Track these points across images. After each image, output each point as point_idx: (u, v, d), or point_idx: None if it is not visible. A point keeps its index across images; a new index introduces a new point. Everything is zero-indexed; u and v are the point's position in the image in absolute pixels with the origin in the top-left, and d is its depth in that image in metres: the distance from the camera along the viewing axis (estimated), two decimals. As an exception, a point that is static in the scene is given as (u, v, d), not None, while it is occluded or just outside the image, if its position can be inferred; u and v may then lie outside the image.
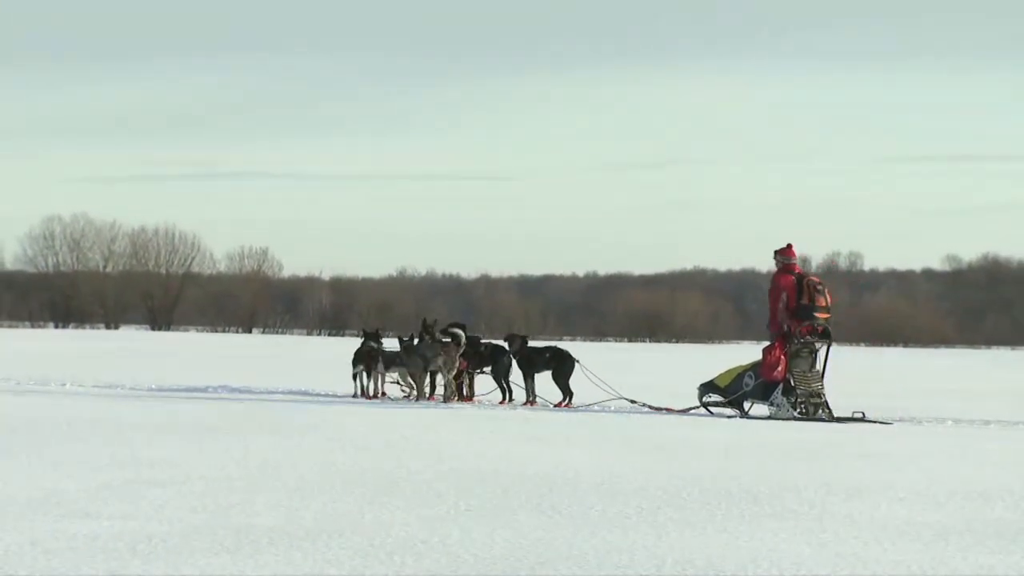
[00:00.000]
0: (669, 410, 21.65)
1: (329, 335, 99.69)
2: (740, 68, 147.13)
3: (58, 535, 8.94)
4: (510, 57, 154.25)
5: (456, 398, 22.12)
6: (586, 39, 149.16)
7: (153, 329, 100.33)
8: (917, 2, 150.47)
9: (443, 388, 22.22)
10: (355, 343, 23.43)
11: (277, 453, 13.75)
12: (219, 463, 12.81)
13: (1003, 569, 8.61)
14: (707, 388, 21.84)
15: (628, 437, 16.74)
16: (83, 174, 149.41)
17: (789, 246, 21.97)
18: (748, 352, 22.45)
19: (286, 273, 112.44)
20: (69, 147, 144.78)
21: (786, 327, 21.40)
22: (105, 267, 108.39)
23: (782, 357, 21.36)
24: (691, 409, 21.67)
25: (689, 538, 9.33)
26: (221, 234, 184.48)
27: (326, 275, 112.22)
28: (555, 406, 21.90)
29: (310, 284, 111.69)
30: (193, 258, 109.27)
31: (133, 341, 63.12)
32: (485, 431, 17.01)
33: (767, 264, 22.21)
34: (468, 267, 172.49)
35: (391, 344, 22.81)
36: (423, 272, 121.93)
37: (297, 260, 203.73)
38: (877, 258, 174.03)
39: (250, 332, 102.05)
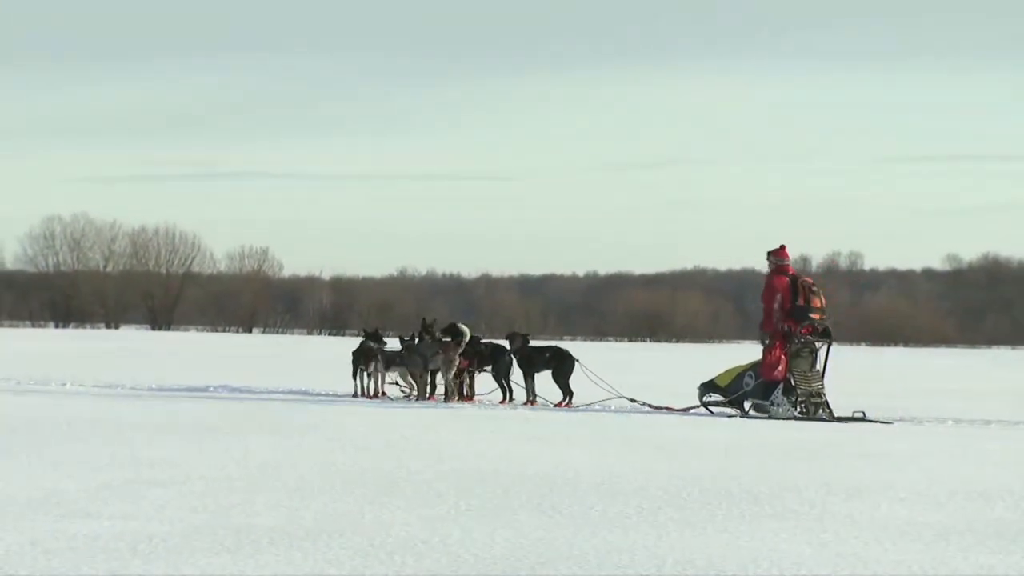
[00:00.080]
0: (669, 409, 21.65)
1: (329, 335, 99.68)
2: (740, 68, 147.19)
3: (58, 535, 8.94)
4: (510, 57, 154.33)
5: (456, 398, 22.12)
6: (586, 39, 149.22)
7: (153, 329, 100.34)
8: (917, 2, 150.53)
9: (443, 388, 22.23)
10: (355, 343, 23.42)
11: (277, 453, 13.75)
12: (219, 463, 12.80)
13: (1003, 569, 8.61)
14: (707, 388, 21.83)
15: (628, 437, 16.74)
16: (83, 174, 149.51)
17: (782, 247, 21.99)
18: (748, 352, 22.46)
19: (286, 273, 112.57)
20: (69, 147, 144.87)
21: (785, 327, 21.40)
22: (105, 267, 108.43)
23: (782, 357, 21.37)
24: (691, 409, 21.67)
25: (689, 538, 9.33)
26: (221, 234, 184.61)
27: (326, 275, 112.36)
28: (555, 406, 21.90)
29: (310, 284, 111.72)
30: (193, 258, 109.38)
31: (133, 341, 63.13)
32: (485, 431, 17.01)
33: (765, 264, 22.20)
34: (468, 267, 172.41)
35: (394, 344, 22.80)
36: (423, 272, 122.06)
37: (297, 260, 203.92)
38: (877, 258, 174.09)
39: (250, 332, 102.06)
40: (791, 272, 21.88)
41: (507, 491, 11.31)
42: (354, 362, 22.85)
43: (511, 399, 22.29)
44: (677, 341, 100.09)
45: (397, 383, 23.10)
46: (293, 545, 8.77)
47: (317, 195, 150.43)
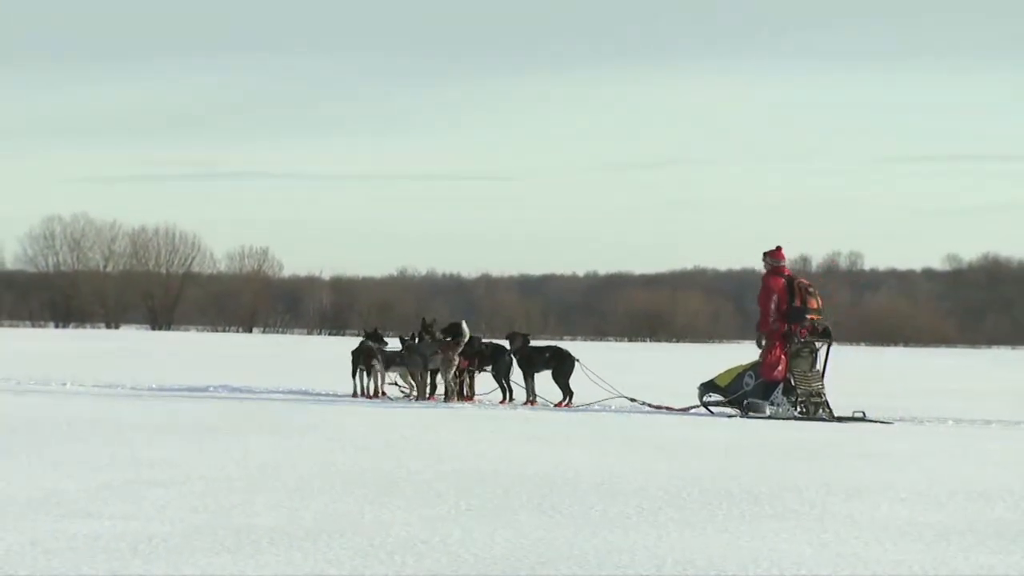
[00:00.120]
0: (669, 409, 21.64)
1: (329, 335, 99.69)
2: (740, 68, 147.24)
3: (58, 535, 8.94)
4: (510, 57, 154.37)
5: (456, 398, 22.12)
6: (586, 39, 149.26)
7: (153, 329, 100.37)
8: (917, 2, 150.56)
9: (443, 388, 22.23)
10: (356, 343, 23.42)
11: (277, 453, 13.75)
12: (219, 463, 12.80)
13: (1004, 569, 8.60)
14: (707, 388, 21.83)
15: (628, 437, 16.73)
16: (83, 174, 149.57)
17: (778, 248, 22.00)
18: (749, 352, 22.45)
19: (286, 273, 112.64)
20: (69, 147, 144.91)
21: (786, 328, 21.41)
22: (105, 267, 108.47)
23: (782, 357, 21.37)
24: (691, 409, 21.67)
25: (690, 538, 9.33)
26: (221, 234, 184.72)
27: (326, 275, 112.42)
28: (555, 406, 21.90)
29: (310, 284, 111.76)
30: (193, 258, 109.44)
31: (133, 341, 63.13)
32: (485, 431, 17.01)
33: (761, 265, 22.20)
34: (469, 267, 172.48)
35: (395, 344, 22.79)
36: (423, 272, 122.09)
37: (297, 260, 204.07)
38: (877, 258, 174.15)
39: (250, 332, 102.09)
40: (787, 273, 21.89)
41: (507, 491, 11.31)
42: (353, 362, 22.85)
43: (511, 399, 22.29)
44: (677, 341, 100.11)
45: (397, 383, 23.10)
46: (293, 545, 8.76)
47: (317, 195, 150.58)
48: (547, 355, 22.54)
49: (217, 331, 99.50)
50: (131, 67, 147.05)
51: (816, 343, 21.59)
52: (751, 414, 21.00)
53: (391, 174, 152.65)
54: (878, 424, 20.20)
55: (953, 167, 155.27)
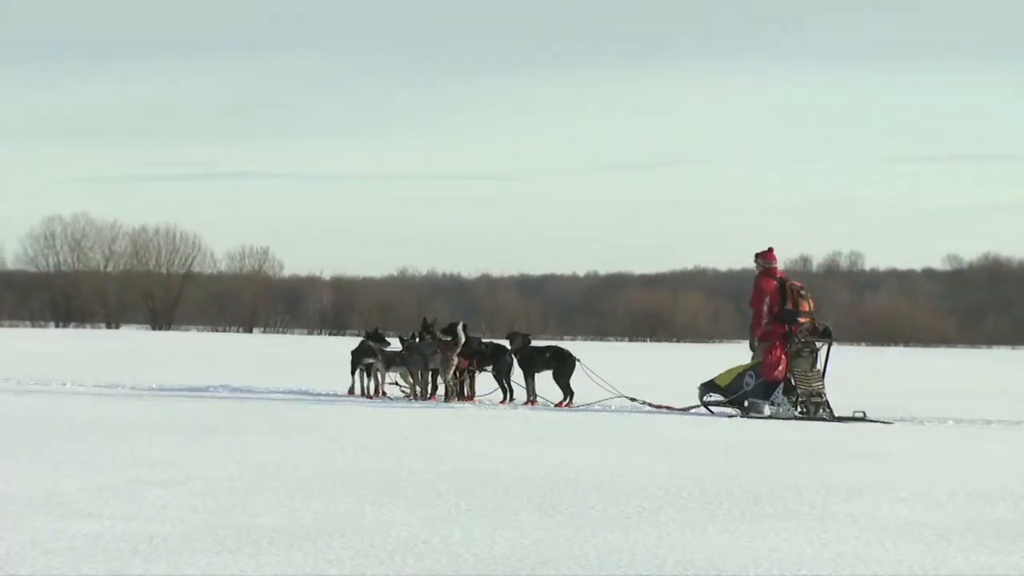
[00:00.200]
0: (670, 409, 21.64)
1: (330, 335, 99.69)
2: (740, 68, 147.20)
3: (59, 535, 8.94)
4: (510, 57, 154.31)
5: (456, 398, 22.12)
6: (586, 39, 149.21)
7: (154, 329, 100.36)
8: (917, 3, 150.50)
9: (443, 387, 22.24)
10: (357, 343, 23.42)
11: (277, 453, 13.75)
12: (219, 463, 12.80)
13: (1004, 569, 8.60)
14: (707, 388, 21.82)
15: (629, 437, 16.74)
16: (83, 174, 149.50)
17: (770, 249, 22.01)
18: (749, 352, 22.44)
19: (287, 273, 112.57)
20: (69, 147, 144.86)
21: (786, 328, 21.42)
22: (106, 267, 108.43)
23: (783, 357, 21.37)
24: (691, 408, 21.67)
25: (690, 538, 9.33)
26: (222, 234, 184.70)
27: (327, 275, 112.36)
28: (556, 406, 21.89)
29: (311, 284, 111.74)
30: (194, 258, 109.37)
31: (134, 341, 63.13)
32: (486, 431, 17.01)
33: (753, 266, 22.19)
34: (469, 267, 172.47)
35: (396, 344, 22.78)
36: (424, 272, 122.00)
37: (298, 260, 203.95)
38: (878, 258, 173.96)
39: (251, 332, 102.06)
40: (779, 275, 21.90)
41: (507, 491, 11.31)
42: (353, 361, 22.85)
43: (511, 399, 22.29)
44: (678, 341, 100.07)
45: (397, 383, 23.10)
46: (293, 545, 8.76)
47: (317, 195, 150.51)
48: (548, 355, 22.53)
49: (217, 331, 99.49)
50: (131, 67, 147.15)
51: (816, 343, 21.59)
52: (751, 414, 21.00)
53: (391, 174, 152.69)
54: (878, 424, 20.20)
55: (953, 167, 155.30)
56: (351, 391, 22.79)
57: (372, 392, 22.69)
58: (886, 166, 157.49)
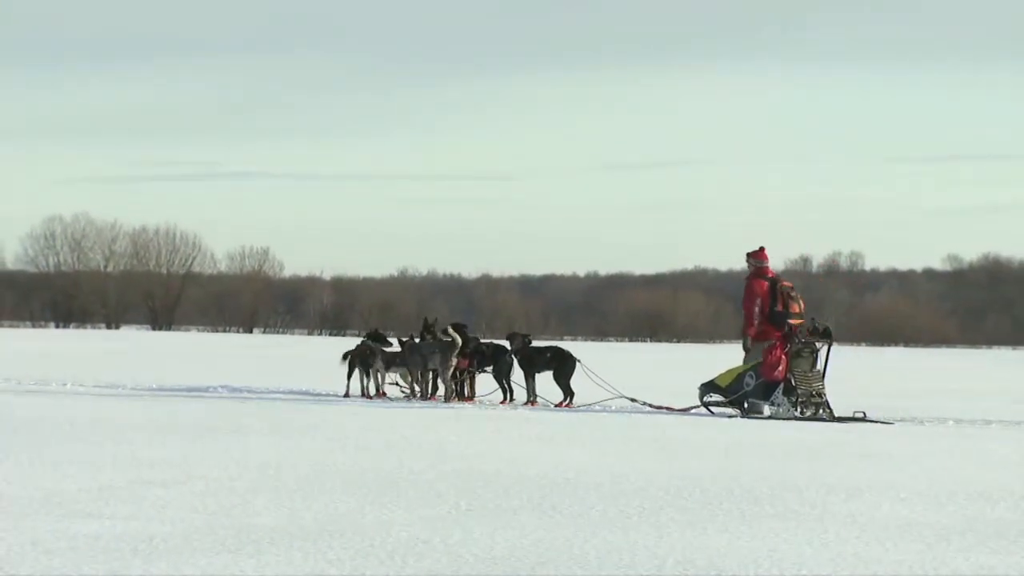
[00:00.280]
0: (670, 409, 21.64)
1: (330, 335, 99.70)
2: (740, 68, 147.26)
3: (59, 535, 8.94)
4: (510, 57, 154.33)
5: (456, 398, 22.12)
6: (586, 39, 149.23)
7: (154, 329, 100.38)
8: (917, 3, 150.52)
9: (443, 387, 22.24)
10: (356, 343, 23.41)
11: (277, 453, 13.75)
12: (219, 463, 12.80)
13: (1004, 569, 8.61)
14: (708, 388, 21.82)
15: (629, 437, 16.74)
16: (83, 174, 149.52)
17: (761, 249, 22.02)
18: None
19: (287, 273, 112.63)
20: (69, 147, 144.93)
21: (787, 328, 21.43)
22: (106, 267, 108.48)
23: (783, 357, 21.36)
24: (692, 409, 21.66)
25: (690, 538, 9.33)
26: (222, 234, 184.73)
27: (327, 275, 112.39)
28: (556, 406, 21.89)
29: (311, 284, 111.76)
30: (194, 258, 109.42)
31: (134, 341, 63.14)
32: (486, 431, 17.01)
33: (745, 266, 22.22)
34: (469, 267, 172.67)
35: (398, 345, 22.76)
36: (424, 272, 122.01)
37: (298, 260, 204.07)
38: (878, 258, 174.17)
39: (251, 332, 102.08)
40: (771, 275, 21.91)
41: (507, 491, 11.31)
42: (350, 362, 22.84)
43: (512, 399, 22.29)
44: (678, 341, 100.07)
45: (397, 383, 23.10)
46: (293, 545, 8.77)
47: (317, 195, 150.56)
48: (548, 355, 22.53)
49: (218, 331, 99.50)
50: (131, 67, 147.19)
51: (817, 343, 21.59)
52: (751, 414, 20.99)
53: (391, 174, 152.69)
54: (878, 424, 20.20)
55: (953, 167, 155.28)
56: (346, 394, 22.75)
57: (372, 392, 22.68)
58: (886, 166, 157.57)
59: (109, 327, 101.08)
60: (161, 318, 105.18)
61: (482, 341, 23.02)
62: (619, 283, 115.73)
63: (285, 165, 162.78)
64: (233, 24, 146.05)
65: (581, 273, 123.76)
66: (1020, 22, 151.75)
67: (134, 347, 52.71)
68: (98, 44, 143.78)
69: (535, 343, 22.88)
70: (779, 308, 21.49)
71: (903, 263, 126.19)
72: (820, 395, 21.25)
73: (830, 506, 10.93)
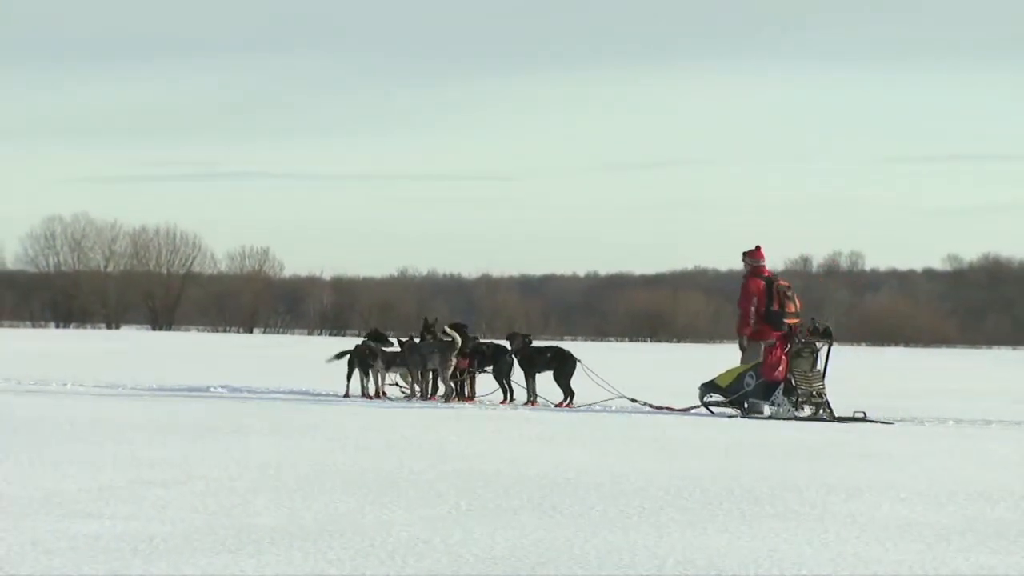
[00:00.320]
0: (670, 409, 21.64)
1: (330, 335, 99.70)
2: (740, 68, 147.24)
3: (59, 535, 8.94)
4: (510, 57, 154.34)
5: (455, 398, 22.12)
6: (586, 39, 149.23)
7: (154, 329, 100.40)
8: (917, 3, 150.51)
9: (443, 387, 22.24)
10: (354, 343, 23.42)
11: (277, 453, 13.75)
12: (219, 463, 12.80)
13: (1004, 569, 8.60)
14: (708, 388, 21.82)
15: (629, 437, 16.74)
16: (83, 174, 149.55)
17: (758, 248, 22.02)
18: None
19: (287, 273, 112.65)
20: (69, 147, 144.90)
21: (787, 328, 21.44)
22: (106, 267, 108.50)
23: (783, 357, 21.37)
24: (692, 409, 21.66)
25: (690, 538, 9.33)
26: (222, 234, 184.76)
27: (327, 275, 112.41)
28: (556, 406, 21.90)
29: (311, 284, 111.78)
30: (194, 258, 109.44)
31: (134, 341, 63.14)
32: (486, 431, 17.01)
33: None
34: (469, 267, 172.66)
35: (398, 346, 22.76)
36: (424, 272, 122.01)
37: (298, 260, 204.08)
38: (878, 258, 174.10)
39: (251, 332, 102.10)
40: (767, 274, 21.92)
41: (508, 491, 11.31)
42: (349, 362, 22.85)
43: (512, 399, 22.29)
44: (678, 341, 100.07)
45: (397, 383, 23.10)
46: (293, 545, 8.76)
47: (317, 195, 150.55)
48: (548, 355, 22.53)
49: (218, 331, 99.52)
50: (131, 67, 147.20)
51: (817, 343, 21.59)
52: (751, 414, 21.00)
53: (391, 174, 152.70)
54: (879, 424, 20.20)
55: (953, 167, 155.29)
56: (347, 394, 22.76)
57: (372, 392, 22.68)
58: (886, 166, 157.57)
59: (109, 327, 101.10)
60: (161, 318, 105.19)
61: (482, 341, 23.02)
62: (619, 283, 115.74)
63: (285, 165, 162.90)
64: (233, 24, 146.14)
65: (581, 273, 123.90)
66: (1020, 22, 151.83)
67: (134, 347, 52.71)
68: (98, 44, 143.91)
69: (535, 343, 22.89)
70: (775, 307, 21.50)
71: (903, 263, 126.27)
72: (820, 395, 21.25)
73: (830, 506, 10.93)
